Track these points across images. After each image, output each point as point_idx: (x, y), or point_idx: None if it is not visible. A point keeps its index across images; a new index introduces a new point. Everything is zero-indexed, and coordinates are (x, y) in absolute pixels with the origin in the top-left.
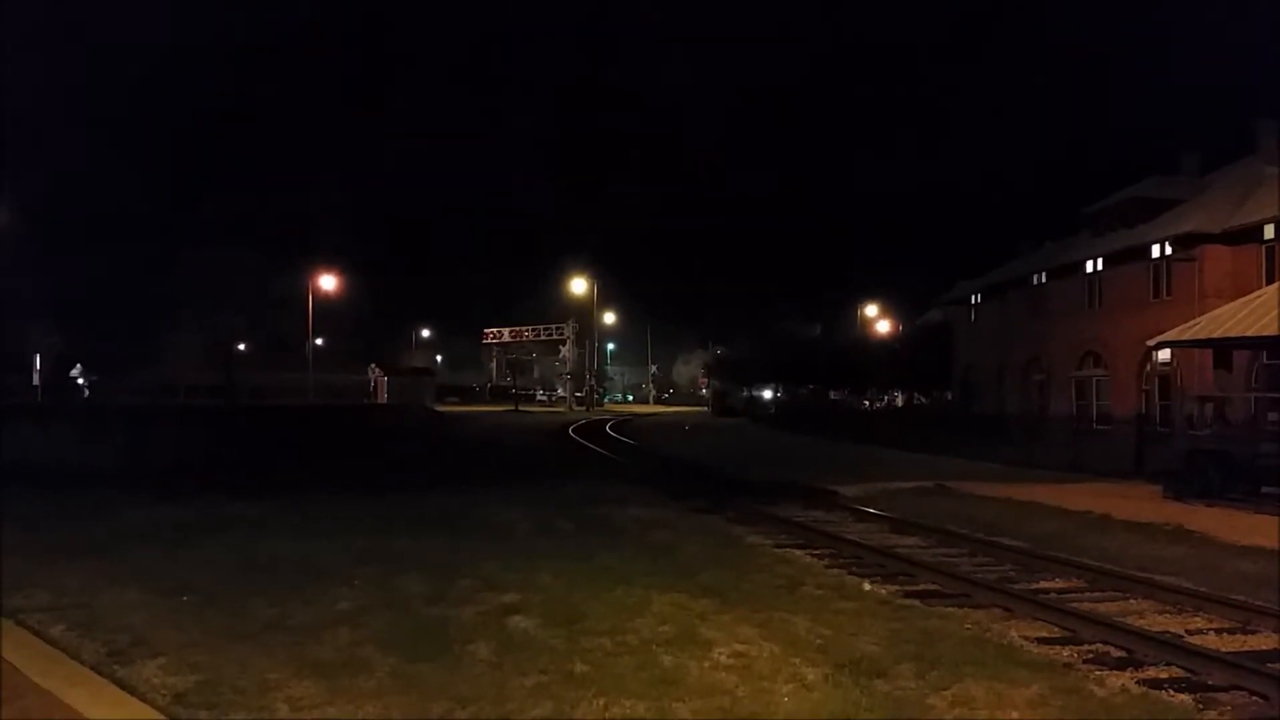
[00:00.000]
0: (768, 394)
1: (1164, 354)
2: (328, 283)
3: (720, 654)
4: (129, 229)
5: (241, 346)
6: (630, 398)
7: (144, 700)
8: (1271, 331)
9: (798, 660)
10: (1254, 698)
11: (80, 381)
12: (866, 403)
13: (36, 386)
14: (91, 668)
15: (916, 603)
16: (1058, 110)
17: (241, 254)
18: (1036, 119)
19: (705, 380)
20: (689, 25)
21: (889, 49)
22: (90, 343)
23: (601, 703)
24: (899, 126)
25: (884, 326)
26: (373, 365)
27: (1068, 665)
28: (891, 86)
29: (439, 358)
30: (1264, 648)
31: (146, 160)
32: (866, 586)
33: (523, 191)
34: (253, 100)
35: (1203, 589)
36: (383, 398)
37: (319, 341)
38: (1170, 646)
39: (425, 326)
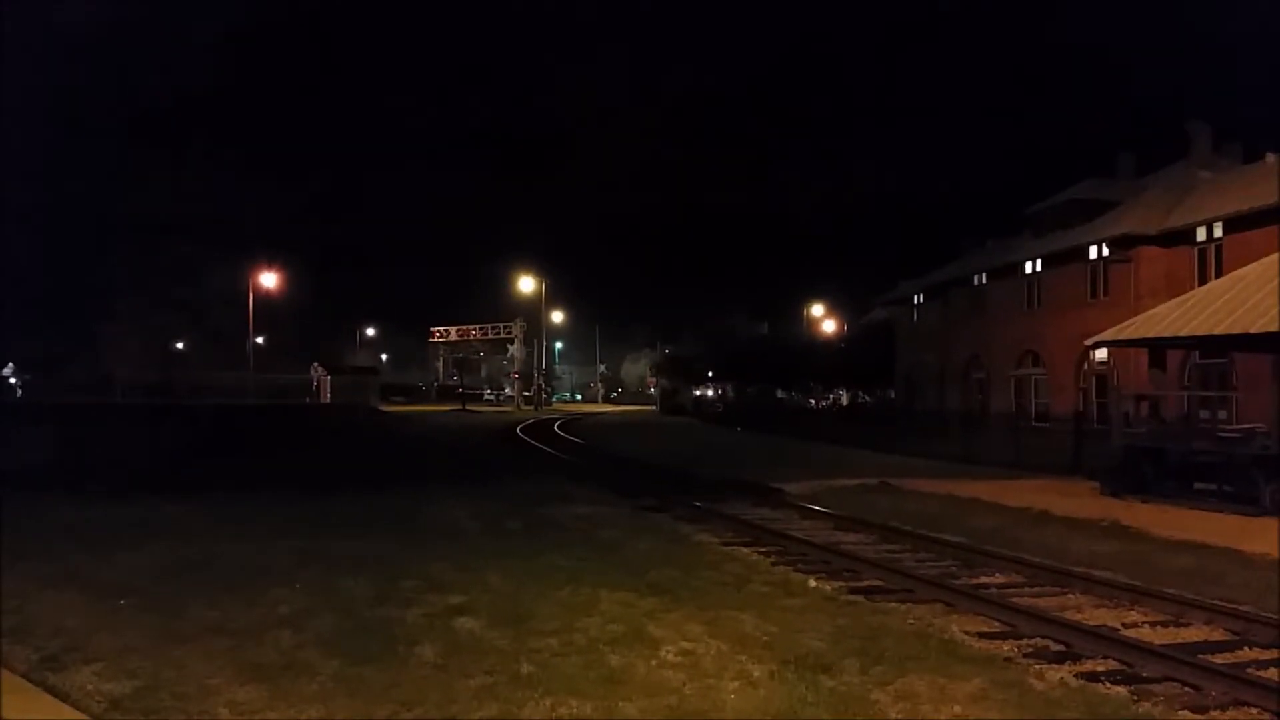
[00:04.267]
0: (716, 392)
1: (1101, 353)
2: (269, 279)
3: (668, 652)
4: (61, 221)
5: (180, 344)
6: (579, 396)
7: (78, 708)
8: (1203, 331)
9: (744, 657)
10: (1186, 688)
11: (13, 380)
12: (812, 401)
13: None
14: (23, 675)
15: (861, 599)
16: (1004, 110)
17: (179, 248)
18: (983, 119)
19: (654, 379)
20: (634, 23)
21: (835, 50)
22: (22, 341)
23: (549, 703)
24: (845, 127)
25: (830, 325)
26: (315, 364)
27: (1008, 659)
28: (837, 88)
29: (384, 356)
30: (1195, 639)
31: (80, 150)
32: (812, 583)
33: (470, 189)
34: (194, 92)
35: (1138, 583)
36: (326, 397)
37: (260, 340)
38: (1107, 640)
39: (370, 325)
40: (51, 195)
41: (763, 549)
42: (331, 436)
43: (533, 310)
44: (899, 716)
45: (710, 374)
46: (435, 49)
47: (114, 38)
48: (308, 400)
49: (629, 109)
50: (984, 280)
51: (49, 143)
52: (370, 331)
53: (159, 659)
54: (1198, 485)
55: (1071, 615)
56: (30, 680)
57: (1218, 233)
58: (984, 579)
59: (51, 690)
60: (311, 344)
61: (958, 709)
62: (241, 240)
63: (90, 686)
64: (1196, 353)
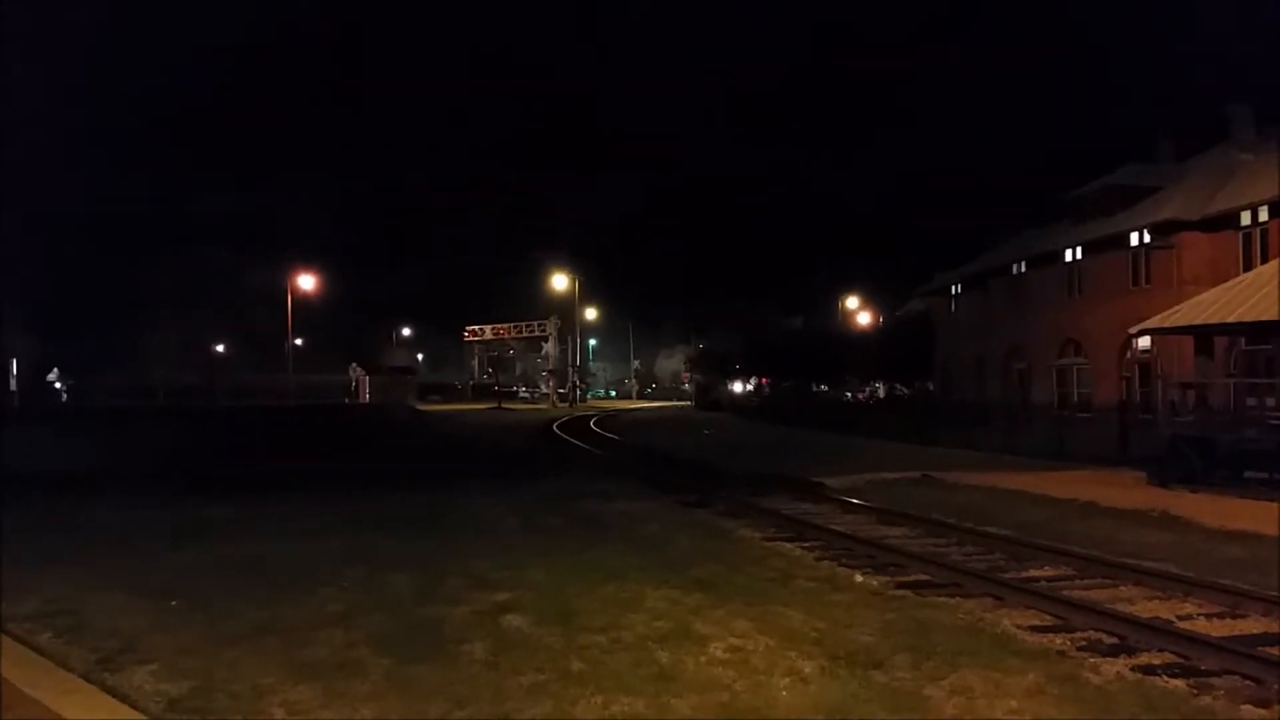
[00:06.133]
0: (750, 387)
1: (1144, 341)
2: (306, 282)
3: (716, 649)
4: (105, 229)
5: (220, 347)
6: (614, 393)
7: (137, 708)
8: (1251, 317)
9: (794, 653)
10: (1247, 681)
11: (58, 385)
12: (849, 394)
13: (14, 391)
14: (81, 675)
15: (909, 593)
16: (1039, 97)
17: (218, 253)
18: (1017, 106)
19: (688, 374)
20: (668, 18)
21: (868, 38)
22: (67, 345)
23: (600, 700)
24: (878, 117)
25: (865, 318)
26: (354, 364)
27: (1062, 653)
28: (872, 76)
29: (420, 356)
30: (1254, 631)
31: (121, 160)
32: (858, 578)
33: (503, 187)
34: (230, 99)
35: (1190, 574)
36: (365, 397)
37: (299, 341)
38: (1162, 632)
39: (406, 325)
40: (93, 203)
41: (806, 544)
42: (371, 435)
43: (566, 308)
44: (955, 712)
45: (745, 368)
46: (468, 44)
47: (148, 43)
48: (347, 400)
49: (663, 103)
50: (1023, 269)
51: (90, 152)
52: (406, 331)
53: (212, 659)
54: (1248, 474)
55: (1124, 608)
56: (89, 681)
57: (1263, 216)
58: (1033, 572)
59: (110, 691)
60: (349, 345)
61: (1014, 704)
62: (280, 243)
63: (148, 687)
64: (1242, 339)
